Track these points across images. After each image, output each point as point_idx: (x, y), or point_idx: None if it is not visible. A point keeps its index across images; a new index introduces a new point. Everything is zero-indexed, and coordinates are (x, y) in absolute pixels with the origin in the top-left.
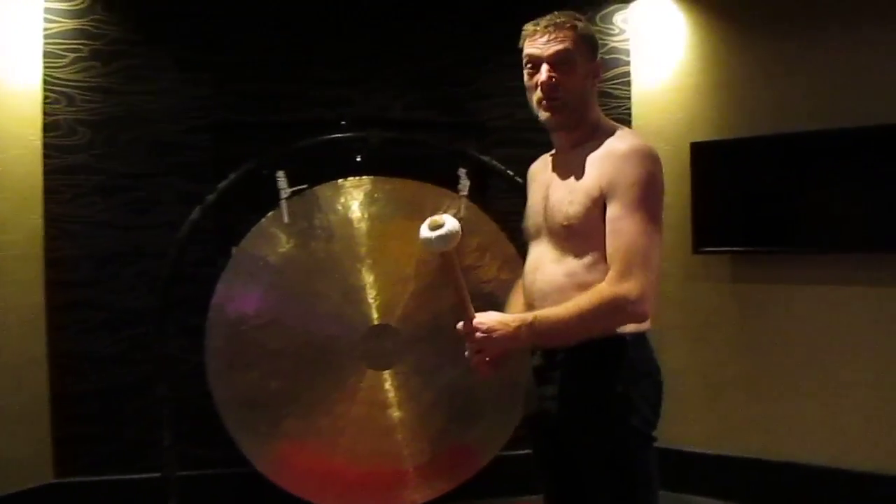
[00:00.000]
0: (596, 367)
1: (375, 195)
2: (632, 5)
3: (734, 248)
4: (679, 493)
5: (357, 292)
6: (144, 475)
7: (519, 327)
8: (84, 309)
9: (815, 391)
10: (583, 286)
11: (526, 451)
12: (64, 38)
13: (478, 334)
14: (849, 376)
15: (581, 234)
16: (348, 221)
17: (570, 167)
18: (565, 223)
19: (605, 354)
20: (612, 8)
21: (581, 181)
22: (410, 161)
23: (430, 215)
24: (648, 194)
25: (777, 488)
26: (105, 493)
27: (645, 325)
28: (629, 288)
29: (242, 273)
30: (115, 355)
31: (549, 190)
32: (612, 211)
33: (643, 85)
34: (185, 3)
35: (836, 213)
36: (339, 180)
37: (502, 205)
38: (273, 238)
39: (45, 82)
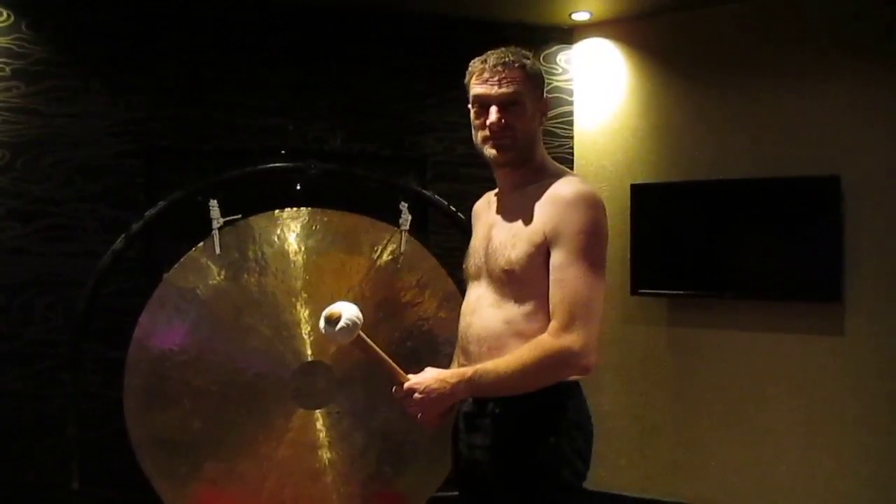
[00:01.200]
0: (528, 417)
1: (313, 227)
2: (575, 46)
3: (671, 291)
4: None
5: (290, 328)
6: None
7: (457, 384)
8: None
9: (743, 437)
10: (521, 335)
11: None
12: None
13: (415, 396)
14: (777, 423)
15: (522, 280)
16: (284, 254)
17: (514, 209)
18: (507, 267)
19: (537, 404)
20: (555, 48)
21: (525, 225)
22: (349, 194)
23: (371, 250)
24: (593, 243)
25: None
26: None
27: (580, 376)
28: (573, 340)
29: (168, 305)
30: (23, 390)
31: (493, 231)
32: (556, 258)
33: (585, 125)
34: (115, 23)
35: (769, 260)
36: (276, 211)
37: (442, 240)
38: (203, 269)
39: None
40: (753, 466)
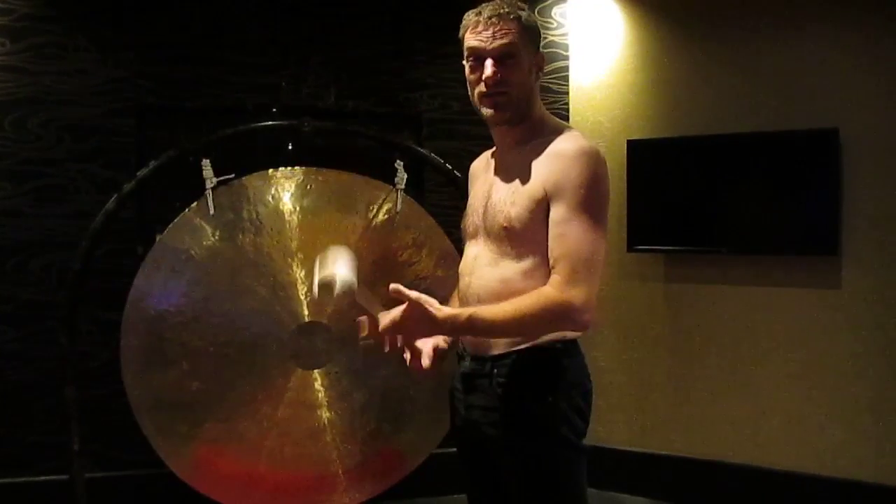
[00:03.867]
0: (526, 376)
1: (308, 187)
2: (570, 0)
3: (667, 248)
4: (606, 491)
5: (287, 288)
6: (50, 477)
7: (446, 319)
8: None
9: (739, 391)
10: (519, 292)
11: (445, 451)
12: None
13: (390, 321)
14: (773, 376)
15: (521, 238)
16: (279, 214)
17: (513, 167)
18: (506, 224)
19: (536, 363)
20: (550, 1)
21: (524, 182)
22: (343, 152)
23: (367, 209)
24: (595, 197)
25: (703, 487)
26: (9, 495)
27: (578, 332)
28: (575, 295)
29: (163, 267)
30: (19, 351)
31: (492, 190)
32: (557, 213)
33: (581, 81)
34: None
35: (766, 214)
36: (270, 170)
37: (439, 198)
38: (197, 230)
39: None
40: (749, 419)
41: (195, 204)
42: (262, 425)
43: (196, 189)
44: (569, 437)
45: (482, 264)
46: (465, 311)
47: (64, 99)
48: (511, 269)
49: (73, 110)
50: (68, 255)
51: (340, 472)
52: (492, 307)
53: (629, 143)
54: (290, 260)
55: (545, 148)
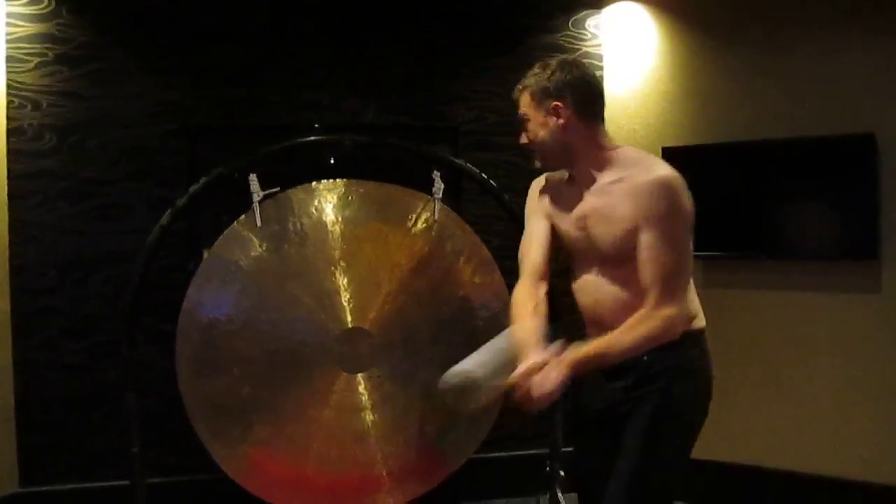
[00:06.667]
0: (665, 363)
1: (349, 198)
2: (604, 11)
3: (706, 253)
4: None
5: (331, 296)
6: (112, 483)
7: (574, 364)
8: (50, 316)
9: (780, 397)
10: (635, 310)
11: (494, 455)
12: (27, 43)
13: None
14: (814, 382)
15: (628, 263)
16: (322, 225)
17: (604, 199)
18: (614, 253)
19: (672, 354)
20: (584, 13)
21: (619, 214)
22: (383, 165)
23: (405, 219)
24: (675, 221)
25: (745, 493)
26: (73, 501)
27: (695, 325)
28: (671, 312)
29: (214, 277)
30: (81, 363)
31: (588, 220)
32: (645, 240)
33: (615, 90)
34: (152, 5)
35: (804, 219)
36: (313, 183)
37: (476, 207)
38: (245, 242)
39: (9, 87)
40: (791, 426)
41: (243, 217)
42: (310, 428)
43: (242, 203)
44: (691, 421)
45: (600, 287)
46: (590, 352)
47: (118, 122)
48: (626, 291)
49: (127, 132)
50: (125, 270)
51: (384, 473)
52: (609, 340)
53: (664, 150)
54: (333, 268)
55: (630, 180)
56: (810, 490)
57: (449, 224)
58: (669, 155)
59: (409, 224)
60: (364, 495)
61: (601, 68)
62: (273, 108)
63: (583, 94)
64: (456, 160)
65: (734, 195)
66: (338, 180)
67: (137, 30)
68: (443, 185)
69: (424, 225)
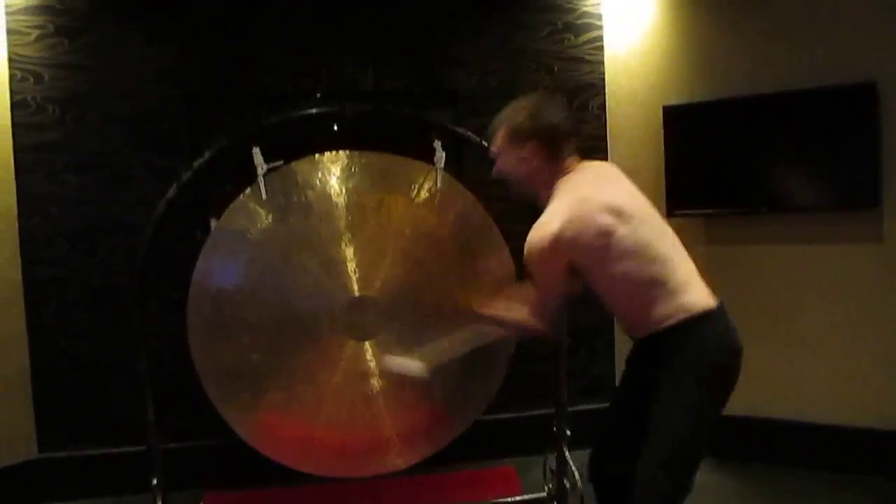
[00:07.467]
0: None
1: (352, 169)
2: None
3: (708, 211)
4: None
5: (337, 265)
6: (128, 448)
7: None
8: (60, 285)
9: (783, 346)
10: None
11: (502, 416)
12: (27, 15)
13: None
14: (817, 331)
15: (591, 276)
16: (326, 196)
17: None
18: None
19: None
20: None
21: None
22: (385, 131)
23: (408, 188)
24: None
25: (750, 442)
26: (90, 466)
27: (688, 313)
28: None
29: (222, 248)
30: (94, 331)
31: None
32: None
33: (615, 49)
34: None
35: (805, 171)
36: (316, 155)
37: (477, 174)
38: (251, 213)
39: (11, 60)
40: (794, 374)
41: (248, 190)
42: (319, 392)
43: (245, 171)
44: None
45: (602, 297)
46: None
47: (119, 92)
48: (612, 297)
49: (128, 102)
50: (131, 240)
51: (394, 434)
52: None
53: (665, 108)
54: (338, 239)
55: None
56: (815, 439)
57: (451, 192)
58: (671, 113)
59: (413, 193)
60: (374, 456)
61: (600, 28)
62: (271, 75)
63: (552, 137)
64: (456, 129)
65: (735, 151)
66: (340, 152)
67: None
68: (444, 155)
69: (427, 194)
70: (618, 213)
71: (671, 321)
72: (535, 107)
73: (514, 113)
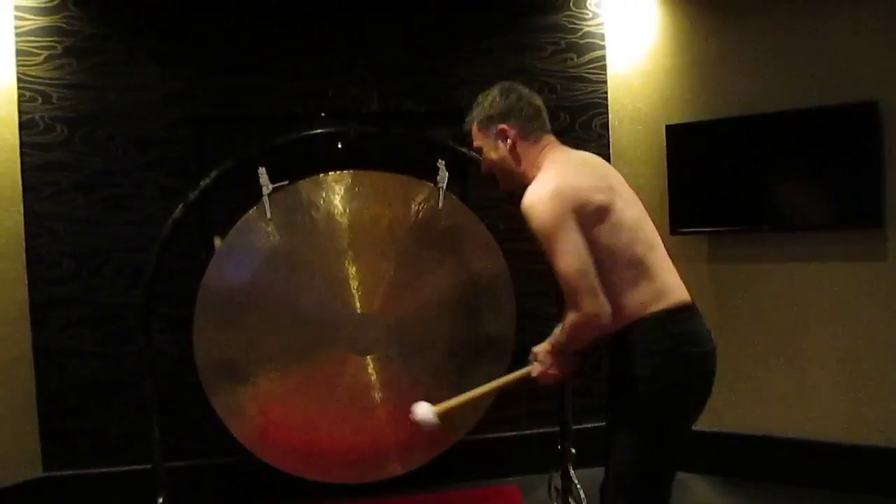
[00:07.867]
0: (624, 344)
1: (356, 189)
2: None
3: (711, 229)
4: None
5: (340, 283)
6: (133, 467)
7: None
8: (66, 305)
9: (786, 366)
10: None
11: (507, 434)
12: (36, 36)
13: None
14: (820, 350)
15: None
16: (330, 215)
17: None
18: None
19: (630, 337)
20: None
21: None
22: (389, 150)
23: (409, 208)
24: (548, 238)
25: (753, 461)
26: (95, 485)
27: (647, 310)
28: (584, 309)
29: (228, 266)
30: (98, 351)
31: None
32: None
33: (618, 69)
34: None
35: (808, 190)
36: (321, 175)
37: (481, 192)
38: (257, 232)
39: (20, 80)
40: (797, 393)
41: (254, 209)
42: (322, 406)
43: (252, 191)
44: (642, 397)
45: None
46: (554, 343)
47: (127, 112)
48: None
49: (136, 123)
50: (138, 259)
51: (392, 443)
52: (561, 335)
53: (668, 127)
54: (342, 257)
55: None
56: (818, 457)
57: (454, 211)
58: (674, 132)
59: (415, 213)
60: (373, 462)
61: (603, 47)
62: (278, 97)
63: (519, 111)
64: (459, 148)
65: (738, 170)
66: (344, 172)
67: (143, 20)
68: (447, 175)
69: (430, 213)
70: (610, 190)
71: (645, 312)
72: (496, 93)
73: (478, 106)
